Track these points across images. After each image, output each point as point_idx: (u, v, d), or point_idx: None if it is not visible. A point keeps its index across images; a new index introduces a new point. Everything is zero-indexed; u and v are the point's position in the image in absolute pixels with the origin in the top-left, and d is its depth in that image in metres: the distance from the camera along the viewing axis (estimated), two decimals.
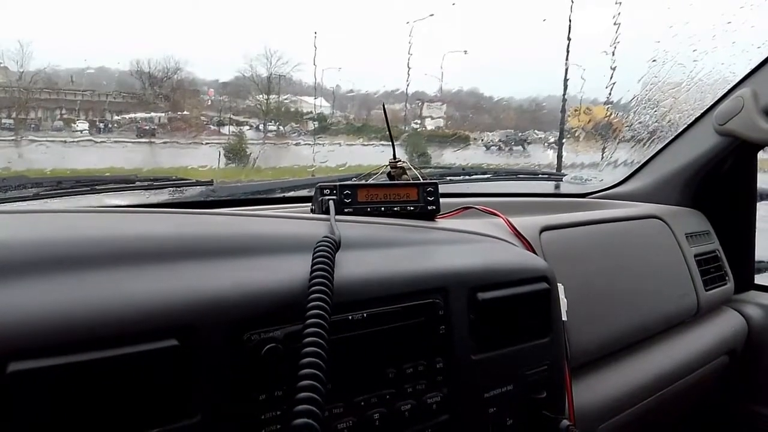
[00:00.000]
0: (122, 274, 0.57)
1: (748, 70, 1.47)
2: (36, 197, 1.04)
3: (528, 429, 0.84)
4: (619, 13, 1.86)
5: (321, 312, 0.57)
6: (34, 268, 0.54)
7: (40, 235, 0.61)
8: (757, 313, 1.57)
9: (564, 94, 2.38)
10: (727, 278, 1.58)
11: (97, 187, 1.11)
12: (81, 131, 2.41)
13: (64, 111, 2.42)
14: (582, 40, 2.31)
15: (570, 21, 2.22)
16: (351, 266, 0.70)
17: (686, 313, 1.39)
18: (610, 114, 2.10)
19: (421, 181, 1.04)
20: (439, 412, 0.74)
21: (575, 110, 2.50)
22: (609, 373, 1.14)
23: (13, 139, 2.14)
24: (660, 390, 1.22)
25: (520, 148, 3.13)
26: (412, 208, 0.99)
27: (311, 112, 3.15)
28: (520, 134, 3.16)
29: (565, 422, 0.84)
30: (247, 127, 2.98)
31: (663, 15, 1.68)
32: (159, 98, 2.60)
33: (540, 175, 1.94)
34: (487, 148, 3.06)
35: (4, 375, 0.46)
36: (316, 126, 3.16)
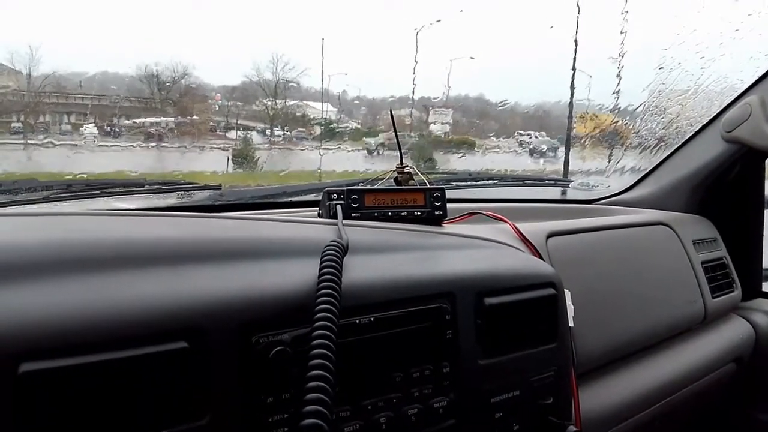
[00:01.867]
0: (132, 277, 0.58)
1: (755, 78, 1.47)
2: (46, 200, 1.05)
3: None
4: (626, 21, 1.86)
5: (329, 315, 0.57)
6: (45, 270, 0.54)
7: (51, 237, 0.62)
8: (765, 320, 1.56)
9: (571, 101, 2.38)
10: (734, 285, 1.57)
11: (106, 191, 1.12)
12: (89, 135, 2.43)
13: (72, 115, 2.44)
14: (589, 47, 2.31)
15: (577, 28, 2.22)
16: (358, 270, 0.71)
17: (693, 320, 1.39)
18: (617, 121, 2.10)
19: (428, 186, 1.04)
20: (445, 416, 0.74)
21: (581, 117, 2.50)
22: (615, 380, 1.14)
23: (21, 143, 2.15)
24: (667, 397, 1.22)
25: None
26: (419, 213, 0.99)
27: (318, 117, 3.16)
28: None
29: (572, 428, 0.84)
30: (254, 132, 2.99)
31: (670, 22, 1.68)
32: (167, 103, 2.61)
33: (547, 181, 1.94)
34: (370, 153, 2.98)
35: (16, 375, 0.46)
36: (323, 131, 3.17)
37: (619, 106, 1.96)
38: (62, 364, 0.48)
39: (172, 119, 2.54)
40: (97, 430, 0.50)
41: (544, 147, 3.10)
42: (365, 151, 2.93)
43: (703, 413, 1.53)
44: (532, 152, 3.08)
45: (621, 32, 1.87)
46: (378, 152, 2.92)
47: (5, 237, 0.61)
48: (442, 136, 3.07)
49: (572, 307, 0.96)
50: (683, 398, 1.26)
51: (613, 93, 1.93)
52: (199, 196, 1.24)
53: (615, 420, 1.09)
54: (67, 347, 0.49)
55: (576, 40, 2.20)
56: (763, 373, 1.52)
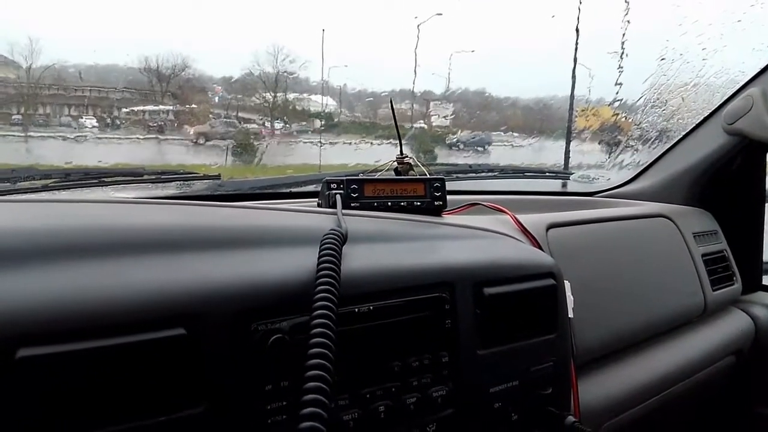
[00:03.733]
0: (131, 263, 0.58)
1: (757, 69, 1.46)
2: (44, 189, 1.05)
3: (533, 425, 0.84)
4: (628, 11, 1.85)
5: (328, 303, 0.57)
6: (43, 255, 0.54)
7: (50, 223, 0.61)
8: (765, 314, 1.55)
9: (572, 92, 2.37)
10: (734, 279, 1.57)
11: (105, 180, 1.12)
12: (89, 127, 2.42)
13: (72, 107, 2.43)
14: (591, 40, 2.30)
15: (578, 20, 2.21)
16: (358, 259, 0.70)
17: (693, 312, 1.39)
18: (617, 114, 2.09)
19: (428, 176, 1.04)
20: (444, 406, 0.74)
21: (582, 110, 2.49)
22: (614, 372, 1.14)
23: (21, 135, 2.15)
24: (666, 389, 1.22)
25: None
26: (418, 203, 0.99)
27: (318, 111, 3.15)
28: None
29: (571, 418, 0.84)
30: (254, 125, 2.98)
31: (672, 13, 1.67)
32: (167, 95, 2.60)
33: (547, 174, 1.93)
34: (195, 142, 2.66)
35: (14, 360, 0.46)
36: (323, 124, 3.16)
37: (620, 99, 1.95)
38: (60, 349, 0.48)
39: (171, 107, 2.53)
40: (94, 416, 0.50)
41: (460, 142, 2.99)
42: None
43: (702, 406, 1.53)
44: (451, 146, 2.98)
45: (623, 21, 1.87)
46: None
47: (2, 223, 0.60)
48: (442, 130, 3.06)
49: (572, 298, 0.95)
50: (682, 390, 1.26)
51: (615, 84, 1.92)
52: (198, 186, 1.24)
53: (614, 411, 1.09)
54: (65, 333, 0.49)
55: (578, 30, 2.20)
56: (763, 366, 1.52)
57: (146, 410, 0.52)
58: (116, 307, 0.52)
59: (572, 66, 2.30)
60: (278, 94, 3.03)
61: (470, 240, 0.93)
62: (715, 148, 1.56)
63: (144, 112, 2.47)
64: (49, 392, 0.47)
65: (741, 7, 1.51)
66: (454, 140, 2.97)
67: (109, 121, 2.45)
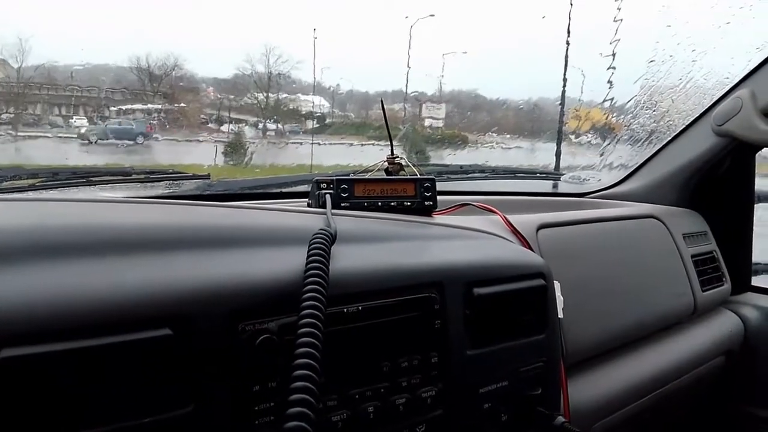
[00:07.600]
0: (117, 263, 0.57)
1: (746, 71, 1.47)
2: (32, 188, 1.04)
3: (522, 425, 0.84)
4: (619, 9, 1.86)
5: (316, 303, 0.57)
6: (28, 254, 0.53)
7: (35, 222, 0.61)
8: (754, 314, 1.57)
9: (563, 93, 2.38)
10: (724, 279, 1.58)
11: (93, 179, 1.11)
12: (79, 127, 2.41)
13: (62, 107, 2.42)
14: (581, 41, 2.31)
15: (569, 19, 2.22)
16: (347, 259, 0.70)
17: (683, 313, 1.39)
18: (608, 115, 2.10)
19: (419, 176, 1.04)
20: (433, 406, 0.73)
21: (575, 110, 2.50)
22: (604, 372, 1.14)
23: (10, 134, 2.13)
24: (656, 390, 1.22)
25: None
26: (409, 203, 0.99)
27: (310, 111, 3.15)
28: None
29: (560, 419, 0.84)
30: (246, 125, 2.97)
31: (662, 14, 1.68)
32: (158, 95, 2.59)
33: (538, 174, 1.94)
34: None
35: None
36: (315, 125, 3.16)
37: (610, 98, 1.96)
38: (43, 350, 0.47)
39: (162, 106, 2.52)
40: (78, 418, 0.49)
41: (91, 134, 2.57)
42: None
43: (692, 406, 1.53)
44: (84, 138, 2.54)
45: (614, 20, 1.87)
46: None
47: None
48: (434, 131, 3.06)
49: (562, 298, 0.96)
50: (672, 391, 1.26)
51: (607, 82, 1.92)
52: (188, 186, 1.24)
53: (604, 411, 1.10)
54: (48, 333, 0.48)
55: (569, 31, 2.20)
56: (752, 366, 1.53)
57: (133, 411, 0.52)
58: (102, 307, 0.51)
59: (563, 67, 2.31)
60: (270, 95, 3.03)
61: (460, 240, 0.93)
62: (705, 149, 1.57)
63: (133, 111, 2.45)
64: (33, 393, 0.47)
65: (730, 10, 1.52)
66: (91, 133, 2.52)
67: (99, 121, 2.44)
